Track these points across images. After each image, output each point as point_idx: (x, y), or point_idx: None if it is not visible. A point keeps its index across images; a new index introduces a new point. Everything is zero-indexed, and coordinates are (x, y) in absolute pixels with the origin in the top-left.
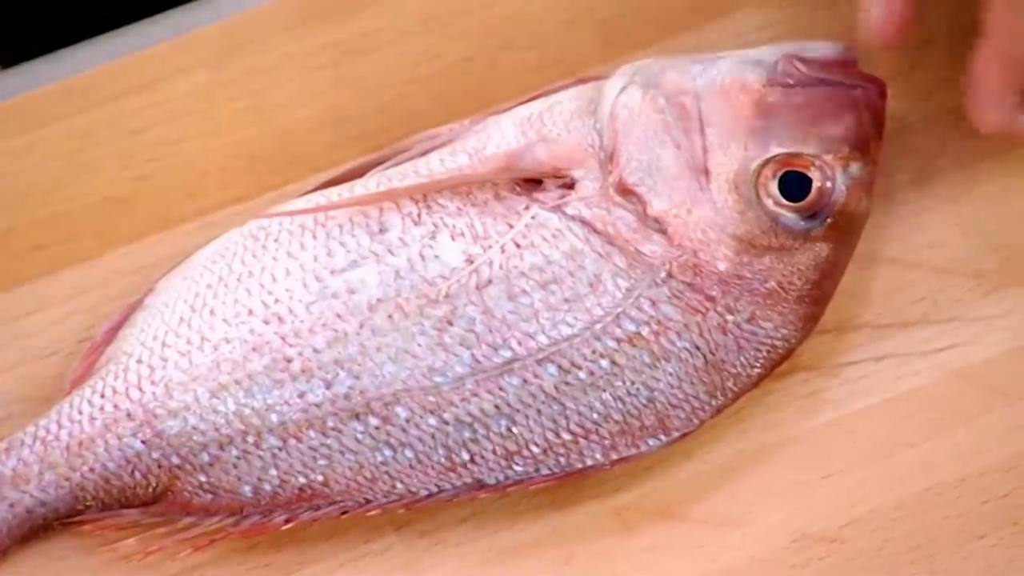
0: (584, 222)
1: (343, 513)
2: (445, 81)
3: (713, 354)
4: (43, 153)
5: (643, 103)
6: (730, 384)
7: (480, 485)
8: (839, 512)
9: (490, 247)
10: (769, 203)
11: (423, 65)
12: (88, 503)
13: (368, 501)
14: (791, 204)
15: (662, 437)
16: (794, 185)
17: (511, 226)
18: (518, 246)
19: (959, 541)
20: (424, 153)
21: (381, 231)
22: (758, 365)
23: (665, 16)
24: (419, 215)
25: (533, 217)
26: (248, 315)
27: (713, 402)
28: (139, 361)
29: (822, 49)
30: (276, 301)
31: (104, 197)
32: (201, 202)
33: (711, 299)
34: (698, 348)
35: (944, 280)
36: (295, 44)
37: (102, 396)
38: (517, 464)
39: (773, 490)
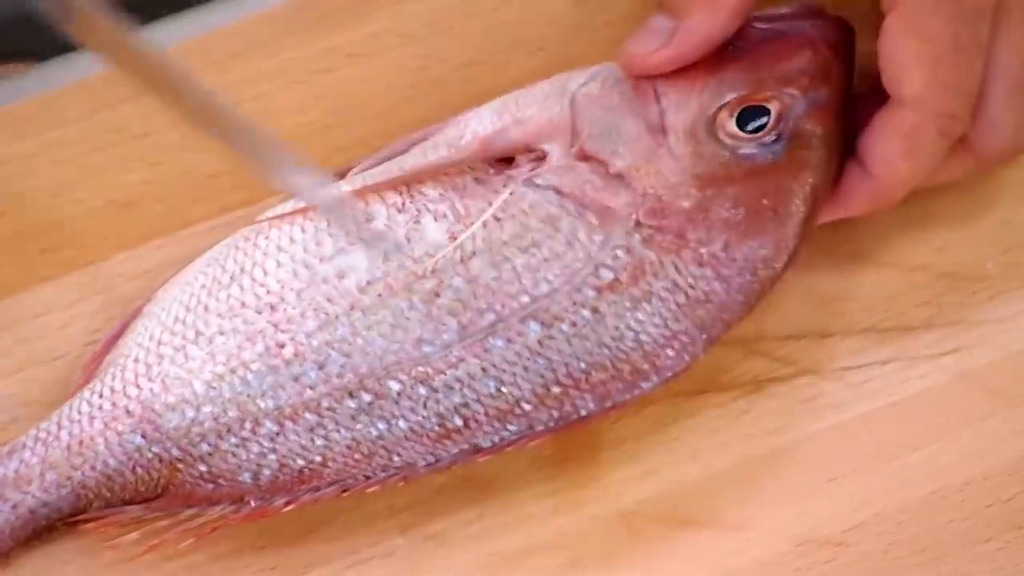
0: (556, 190)
1: (344, 491)
2: (450, 84)
3: (693, 288)
4: (48, 157)
5: (602, 90)
6: (718, 314)
7: (476, 449)
8: (844, 516)
9: (472, 224)
10: (727, 139)
11: (428, 68)
12: (91, 502)
13: (367, 478)
14: (750, 136)
15: (655, 378)
16: (753, 118)
17: (491, 204)
18: (498, 219)
19: (964, 545)
20: (408, 148)
21: (367, 220)
22: (743, 291)
23: None
24: (403, 204)
25: (511, 193)
26: (241, 307)
27: (703, 336)
28: (136, 360)
29: (780, 9)
30: (268, 292)
31: (109, 201)
32: (207, 206)
33: (681, 236)
34: (676, 285)
35: (948, 284)
36: (299, 48)
37: (100, 396)
38: (511, 424)
39: (777, 494)
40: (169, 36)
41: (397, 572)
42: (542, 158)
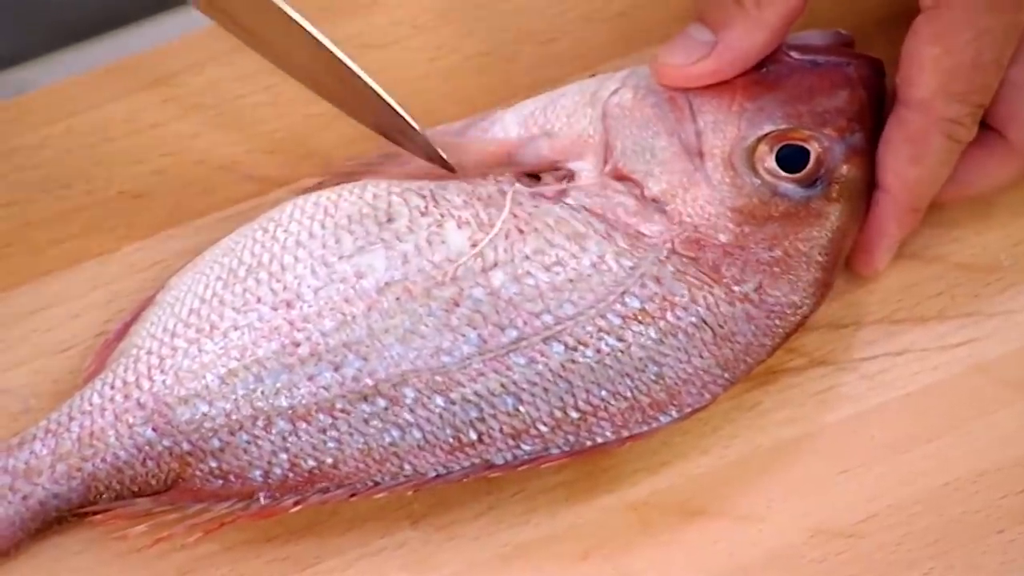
0: (585, 209)
1: (352, 495)
2: (461, 75)
3: (722, 326)
4: (59, 148)
5: (635, 100)
6: (742, 355)
7: (488, 465)
8: (857, 507)
9: (495, 233)
10: (767, 176)
11: (439, 59)
12: (101, 493)
13: (377, 483)
14: (789, 175)
15: (674, 413)
16: (792, 158)
17: (515, 215)
18: (521, 232)
19: (977, 536)
20: None
21: (389, 220)
22: (770, 334)
23: (681, 10)
24: (426, 207)
25: (536, 206)
26: (257, 302)
27: (726, 375)
28: (149, 352)
29: (814, 37)
30: (284, 288)
31: (120, 192)
32: (216, 197)
33: (716, 271)
34: (705, 321)
35: (962, 275)
36: None
37: (112, 387)
38: (525, 443)
39: (791, 485)
40: (180, 27)
41: (408, 563)
42: (570, 177)
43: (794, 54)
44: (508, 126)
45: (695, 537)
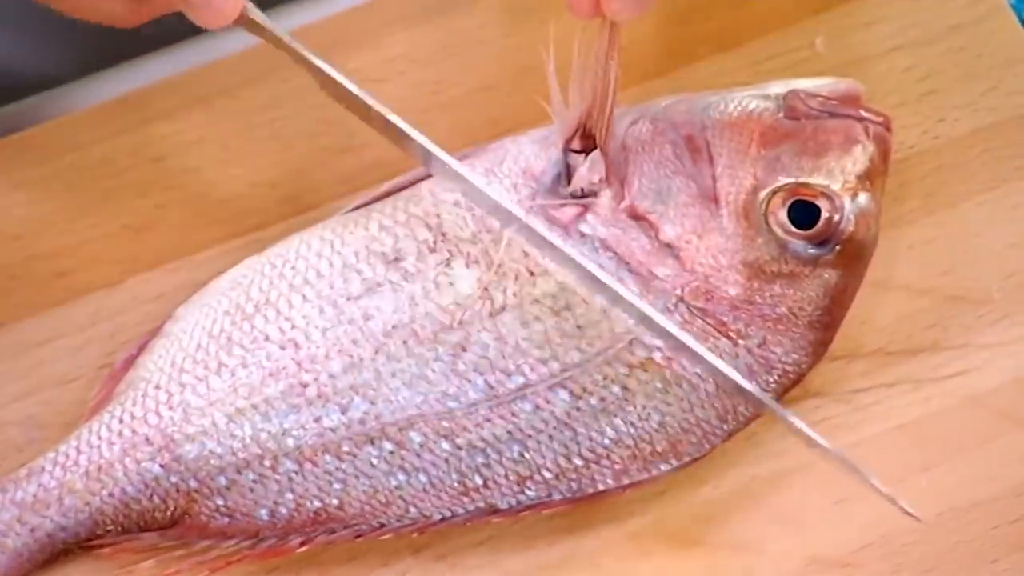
0: (599, 241)
1: (357, 536)
2: (463, 109)
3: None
4: (64, 181)
5: (653, 134)
6: (741, 408)
7: (493, 510)
8: (852, 537)
9: (504, 274)
10: (778, 231)
11: (441, 93)
12: (108, 527)
13: (382, 525)
14: (800, 232)
15: (673, 462)
16: (802, 213)
17: (525, 252)
18: (532, 273)
19: (971, 565)
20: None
21: (396, 259)
22: (769, 389)
23: (680, 45)
24: (434, 243)
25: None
26: (265, 341)
27: (724, 427)
28: (157, 387)
29: (828, 85)
30: (293, 327)
31: (124, 225)
32: (220, 230)
33: (723, 324)
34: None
35: (954, 307)
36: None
37: (120, 421)
38: (529, 489)
39: (786, 515)
40: (184, 62)
41: None
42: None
43: (810, 102)
44: (523, 147)
45: (692, 566)
